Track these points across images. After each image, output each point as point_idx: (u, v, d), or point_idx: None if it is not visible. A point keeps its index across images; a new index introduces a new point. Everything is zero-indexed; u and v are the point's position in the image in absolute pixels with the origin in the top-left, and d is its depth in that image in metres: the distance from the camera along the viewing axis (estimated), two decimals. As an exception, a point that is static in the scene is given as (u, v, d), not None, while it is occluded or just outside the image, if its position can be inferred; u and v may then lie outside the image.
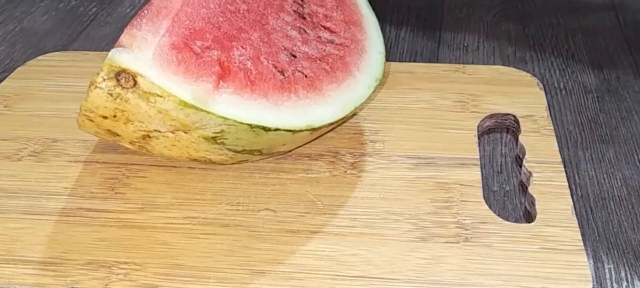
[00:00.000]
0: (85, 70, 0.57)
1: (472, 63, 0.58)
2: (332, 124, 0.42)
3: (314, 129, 0.41)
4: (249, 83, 0.39)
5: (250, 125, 0.38)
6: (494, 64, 0.60)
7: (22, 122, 0.51)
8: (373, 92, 0.45)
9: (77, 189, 0.44)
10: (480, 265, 0.38)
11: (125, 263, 0.38)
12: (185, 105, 0.37)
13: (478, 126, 0.49)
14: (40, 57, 0.59)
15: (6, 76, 0.57)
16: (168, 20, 0.38)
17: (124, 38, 0.37)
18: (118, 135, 0.40)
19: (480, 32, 0.65)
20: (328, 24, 0.46)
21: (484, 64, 0.59)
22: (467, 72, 0.55)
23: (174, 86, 0.37)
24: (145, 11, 0.39)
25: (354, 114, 0.48)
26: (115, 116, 0.38)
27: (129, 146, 0.41)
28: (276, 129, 0.39)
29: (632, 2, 0.52)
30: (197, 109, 0.37)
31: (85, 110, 0.38)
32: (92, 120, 0.39)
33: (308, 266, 0.38)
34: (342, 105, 0.42)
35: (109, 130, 0.40)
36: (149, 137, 0.39)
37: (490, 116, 0.50)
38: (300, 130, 0.40)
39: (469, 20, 0.66)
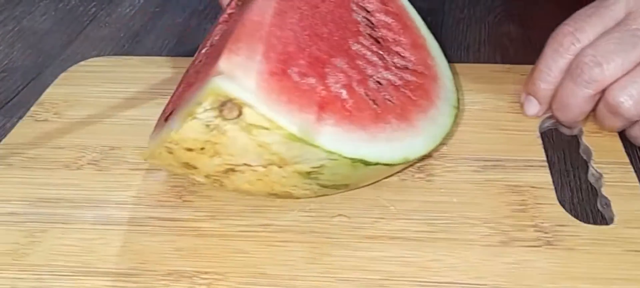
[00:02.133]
0: (127, 76, 0.56)
1: (473, 63, 0.58)
2: (424, 156, 0.41)
3: (408, 161, 0.39)
4: (347, 114, 0.37)
5: (352, 159, 0.36)
6: (495, 65, 0.60)
7: (74, 129, 0.50)
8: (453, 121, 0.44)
9: (143, 198, 0.43)
10: (566, 268, 0.37)
11: (206, 273, 0.38)
12: (293, 138, 0.34)
13: (539, 127, 0.48)
14: (82, 63, 0.59)
15: (5, 76, 0.56)
16: (262, 44, 0.36)
17: (222, 63, 0.34)
18: (195, 168, 0.37)
19: (481, 32, 0.65)
20: (398, 49, 0.44)
21: (484, 63, 0.59)
22: (518, 72, 0.55)
23: (281, 118, 0.34)
24: (239, 32, 0.36)
25: (437, 149, 0.46)
26: (202, 149, 0.35)
27: (202, 180, 0.39)
28: (376, 163, 0.37)
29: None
30: (303, 142, 0.35)
31: (169, 142, 0.36)
32: (171, 152, 0.36)
33: (393, 273, 0.37)
34: (431, 136, 0.41)
35: (186, 163, 0.37)
36: (233, 171, 0.37)
37: (550, 116, 0.49)
38: (398, 164, 0.38)
39: (470, 21, 0.66)
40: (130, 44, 0.63)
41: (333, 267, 0.38)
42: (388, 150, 0.38)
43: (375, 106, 0.39)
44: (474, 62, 0.58)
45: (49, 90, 0.55)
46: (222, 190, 0.41)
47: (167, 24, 0.67)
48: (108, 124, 0.50)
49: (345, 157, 0.36)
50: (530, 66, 0.55)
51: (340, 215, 0.41)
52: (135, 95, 0.54)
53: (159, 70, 0.56)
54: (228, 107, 0.33)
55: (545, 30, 0.65)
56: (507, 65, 0.56)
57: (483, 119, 0.49)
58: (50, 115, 0.52)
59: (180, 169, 0.38)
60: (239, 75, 0.34)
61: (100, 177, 0.45)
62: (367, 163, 0.37)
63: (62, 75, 0.57)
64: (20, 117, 0.51)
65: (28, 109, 0.52)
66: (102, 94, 0.54)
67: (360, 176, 0.39)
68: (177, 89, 0.43)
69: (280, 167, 0.36)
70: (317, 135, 0.35)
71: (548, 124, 0.50)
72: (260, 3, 0.38)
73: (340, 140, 0.36)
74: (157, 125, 0.40)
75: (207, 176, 0.38)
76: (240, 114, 0.34)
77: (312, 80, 0.37)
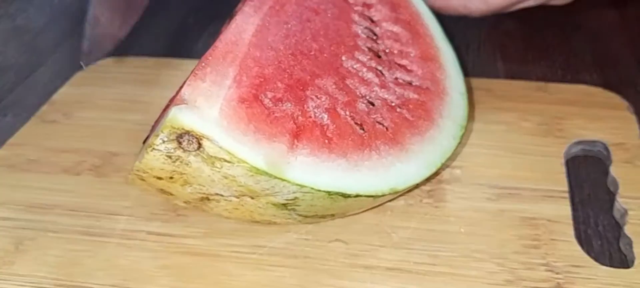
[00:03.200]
0: (145, 78, 0.55)
1: (473, 62, 0.55)
2: (417, 184, 0.38)
3: (396, 192, 0.36)
4: (326, 141, 0.34)
5: (328, 192, 0.34)
6: (495, 64, 0.57)
7: (81, 132, 0.49)
8: (458, 143, 0.40)
9: (137, 209, 0.42)
10: (575, 316, 0.34)
11: (189, 295, 0.36)
12: (257, 171, 0.32)
13: (564, 153, 0.45)
14: (100, 63, 0.57)
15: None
16: (234, 67, 0.34)
17: (186, 91, 0.33)
18: (171, 194, 0.36)
19: (481, 31, 0.62)
20: (404, 62, 0.41)
21: (484, 63, 0.56)
22: (549, 91, 0.51)
23: (245, 150, 0.32)
24: (209, 57, 0.34)
25: (438, 173, 0.43)
26: (171, 178, 0.34)
27: (182, 204, 0.38)
28: (357, 195, 0.35)
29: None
30: (270, 176, 0.33)
31: (137, 170, 0.34)
32: (143, 180, 0.35)
33: (385, 308, 0.35)
34: (426, 161, 0.38)
35: (161, 189, 0.36)
36: (208, 199, 0.35)
37: (578, 143, 0.46)
38: (383, 195, 0.36)
39: (470, 19, 0.63)
40: (127, 42, 0.62)
41: (322, 298, 0.36)
42: (372, 181, 0.35)
43: (361, 131, 0.36)
44: (473, 61, 0.55)
45: (62, 89, 0.54)
46: (206, 213, 0.39)
47: (164, 22, 0.65)
48: (115, 129, 0.49)
49: (319, 190, 0.34)
50: (567, 85, 0.52)
51: (337, 240, 0.39)
52: (149, 99, 0.52)
53: (175, 72, 0.55)
54: (186, 139, 0.32)
55: (545, 28, 0.62)
56: (540, 83, 0.52)
57: (505, 141, 0.46)
58: (60, 115, 0.51)
59: (159, 194, 0.37)
60: (202, 103, 0.32)
61: (98, 185, 0.44)
62: (346, 196, 0.34)
63: (78, 74, 0.56)
64: (15, 115, 0.51)
65: (23, 107, 0.52)
66: (115, 96, 0.53)
67: (344, 207, 0.36)
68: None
69: (252, 198, 0.34)
70: (287, 166, 0.33)
71: (576, 149, 0.46)
72: (240, 20, 0.36)
73: (314, 172, 0.34)
74: (141, 148, 0.39)
75: (186, 202, 0.37)
76: (199, 146, 0.32)
77: (288, 106, 0.34)
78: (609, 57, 0.57)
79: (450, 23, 0.56)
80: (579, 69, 0.53)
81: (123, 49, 0.62)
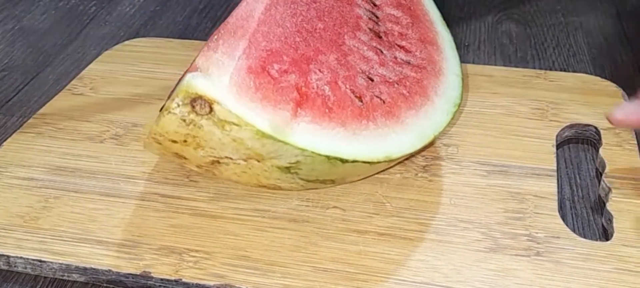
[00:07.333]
0: (167, 57, 0.58)
1: (473, 62, 0.57)
2: (411, 154, 0.41)
3: (391, 160, 0.39)
4: (327, 110, 0.37)
5: (327, 156, 0.37)
6: (495, 64, 0.58)
7: (106, 105, 0.53)
8: (451, 118, 0.43)
9: (153, 174, 0.45)
10: (550, 281, 0.37)
11: (196, 251, 0.39)
12: (263, 135, 0.35)
13: (557, 136, 0.47)
14: (126, 42, 0.61)
15: (5, 75, 0.58)
16: (244, 41, 0.37)
17: (200, 60, 0.36)
18: (185, 158, 0.39)
19: (481, 31, 0.64)
20: (403, 43, 0.43)
21: (484, 63, 0.58)
22: (549, 78, 0.53)
23: (252, 115, 0.35)
24: (221, 31, 0.37)
25: (432, 143, 0.46)
26: (185, 141, 0.37)
27: (195, 169, 0.40)
28: (354, 161, 0.38)
29: (634, 1, 0.50)
30: (274, 139, 0.36)
31: (154, 134, 0.38)
32: (160, 143, 0.38)
33: (373, 268, 0.38)
34: (420, 133, 0.40)
35: (176, 153, 0.39)
36: (219, 163, 0.39)
37: (570, 126, 0.48)
38: (378, 162, 0.39)
39: (470, 20, 0.65)
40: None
41: (315, 257, 0.39)
42: (368, 148, 0.38)
43: (360, 103, 0.39)
44: (474, 61, 0.58)
45: (90, 66, 0.58)
46: (217, 179, 0.42)
47: (167, 23, 0.67)
48: (136, 102, 0.53)
49: (319, 154, 0.37)
50: (565, 73, 0.54)
51: (335, 207, 0.42)
52: (167, 75, 0.56)
53: (191, 52, 0.58)
54: (199, 103, 0.35)
55: (545, 28, 0.64)
56: (539, 71, 0.55)
57: (501, 124, 0.49)
58: (87, 89, 0.55)
59: (174, 159, 0.40)
60: (214, 71, 0.36)
61: (119, 152, 0.47)
62: (344, 161, 0.37)
63: (106, 52, 0.60)
64: (22, 116, 0.54)
65: (29, 107, 0.55)
66: (139, 73, 0.57)
67: (343, 172, 0.39)
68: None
69: (259, 161, 0.37)
70: (290, 132, 0.36)
71: (567, 133, 0.48)
72: None
73: (315, 138, 0.37)
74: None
75: (198, 166, 0.40)
76: (211, 110, 0.35)
77: (292, 77, 0.37)
78: (607, 57, 0.59)
79: (451, 23, 0.59)
80: (577, 70, 0.55)
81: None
